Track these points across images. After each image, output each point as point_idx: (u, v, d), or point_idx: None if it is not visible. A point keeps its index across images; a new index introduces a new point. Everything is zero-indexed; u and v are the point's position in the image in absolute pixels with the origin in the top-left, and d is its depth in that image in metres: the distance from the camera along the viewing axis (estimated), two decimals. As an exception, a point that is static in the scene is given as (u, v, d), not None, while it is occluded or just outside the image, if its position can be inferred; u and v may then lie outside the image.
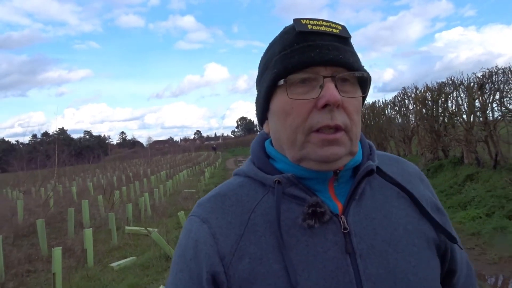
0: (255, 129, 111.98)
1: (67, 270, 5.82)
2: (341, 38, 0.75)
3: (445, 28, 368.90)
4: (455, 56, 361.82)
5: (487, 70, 8.18)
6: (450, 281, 0.88)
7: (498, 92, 7.99)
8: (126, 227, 8.32)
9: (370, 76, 0.77)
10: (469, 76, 8.75)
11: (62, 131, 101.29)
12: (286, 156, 0.78)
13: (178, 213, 7.17)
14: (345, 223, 0.74)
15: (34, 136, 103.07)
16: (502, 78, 7.89)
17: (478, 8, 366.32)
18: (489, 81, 8.15)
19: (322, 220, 0.72)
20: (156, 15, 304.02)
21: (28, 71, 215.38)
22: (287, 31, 0.77)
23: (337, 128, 0.71)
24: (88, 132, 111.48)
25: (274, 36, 0.80)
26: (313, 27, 0.73)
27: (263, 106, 0.80)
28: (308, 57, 0.71)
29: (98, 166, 36.78)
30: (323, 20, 0.75)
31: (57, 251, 4.81)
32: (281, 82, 0.73)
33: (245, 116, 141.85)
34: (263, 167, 0.81)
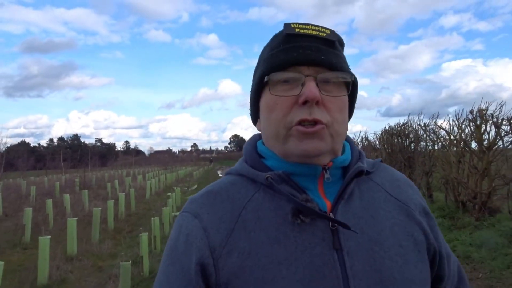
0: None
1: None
2: (327, 41, 0.72)
3: (453, 60, 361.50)
4: (460, 85, 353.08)
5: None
6: (437, 287, 0.81)
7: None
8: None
9: (355, 78, 0.74)
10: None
11: (75, 137, 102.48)
12: (276, 153, 0.74)
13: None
14: (331, 216, 0.69)
15: (51, 140, 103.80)
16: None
17: (486, 43, 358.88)
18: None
19: (311, 216, 0.68)
20: (184, 32, 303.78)
21: (53, 75, 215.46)
22: (276, 35, 0.75)
23: (316, 122, 0.68)
24: (99, 140, 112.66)
25: None
26: (300, 30, 0.71)
27: (254, 104, 0.78)
28: (291, 56, 0.69)
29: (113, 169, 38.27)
30: (312, 25, 0.72)
31: (144, 237, 5.38)
32: (266, 79, 0.71)
33: (238, 134, 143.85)
34: (254, 165, 0.76)
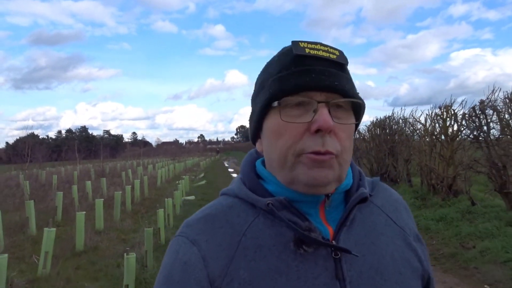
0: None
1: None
2: (338, 64, 0.69)
3: (461, 49, 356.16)
4: (469, 75, 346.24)
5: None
6: None
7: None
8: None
9: (364, 104, 0.71)
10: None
11: (83, 129, 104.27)
12: (277, 178, 0.71)
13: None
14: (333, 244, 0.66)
15: (59, 132, 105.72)
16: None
17: (496, 32, 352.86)
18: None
19: (314, 246, 0.65)
20: (191, 23, 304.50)
21: (61, 67, 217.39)
22: (284, 53, 0.71)
23: (325, 154, 0.65)
24: (107, 132, 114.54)
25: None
26: (311, 51, 0.67)
27: (257, 125, 0.73)
28: (303, 81, 0.65)
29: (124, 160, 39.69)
30: (321, 44, 0.69)
31: (160, 212, 6.77)
32: (275, 104, 0.67)
33: (244, 124, 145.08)
34: (254, 189, 0.72)
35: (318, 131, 0.64)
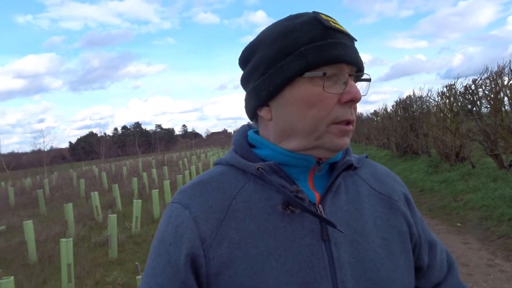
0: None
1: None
2: (353, 39, 0.72)
3: None
4: None
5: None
6: (422, 275, 0.83)
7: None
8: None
9: (371, 79, 0.75)
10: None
11: (137, 124, 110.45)
12: (275, 143, 0.73)
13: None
14: (322, 212, 0.70)
15: (115, 129, 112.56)
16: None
17: None
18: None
19: (301, 208, 0.67)
20: (232, 12, 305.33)
21: (112, 66, 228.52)
22: (308, 22, 0.69)
23: (351, 123, 0.70)
24: (159, 126, 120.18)
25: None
26: (335, 25, 0.69)
27: (274, 92, 0.70)
28: (339, 54, 0.67)
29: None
30: (335, 20, 0.72)
31: None
32: (317, 74, 0.67)
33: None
34: (245, 155, 0.74)
35: (348, 101, 0.68)
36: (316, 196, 0.72)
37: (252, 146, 0.77)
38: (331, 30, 0.69)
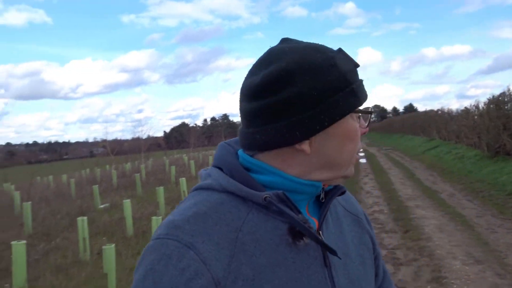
0: (387, 116, 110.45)
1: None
2: None
3: None
4: None
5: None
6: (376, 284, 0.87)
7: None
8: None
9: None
10: None
11: (225, 116, 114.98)
12: (284, 172, 0.68)
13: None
14: (323, 238, 0.70)
15: (205, 120, 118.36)
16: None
17: None
18: None
19: (310, 238, 0.67)
20: (320, 4, 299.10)
21: (204, 60, 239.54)
22: (344, 57, 0.69)
23: None
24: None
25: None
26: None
27: (326, 127, 0.67)
28: (366, 93, 0.71)
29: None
30: None
31: None
32: (363, 111, 0.71)
33: (378, 104, 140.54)
34: (245, 182, 0.68)
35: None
36: (316, 223, 0.73)
37: (246, 169, 0.70)
38: (357, 67, 0.71)
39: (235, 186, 0.67)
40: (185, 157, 23.30)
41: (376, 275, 0.87)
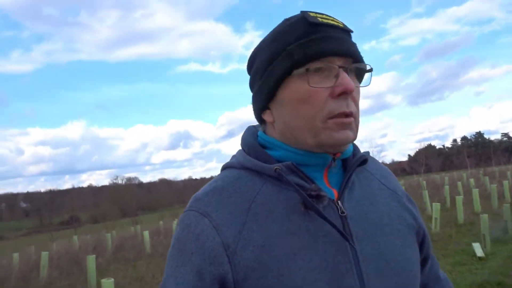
0: None
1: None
2: (346, 31, 0.73)
3: None
4: None
5: None
6: (423, 269, 0.85)
7: None
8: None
9: (372, 69, 0.74)
10: None
11: (479, 134, 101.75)
12: (287, 144, 0.73)
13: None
14: (342, 207, 0.71)
15: (454, 140, 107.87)
16: None
17: None
18: None
19: (322, 205, 0.69)
20: None
21: (451, 75, 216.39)
22: (295, 23, 0.72)
23: (349, 115, 0.69)
24: (505, 134, 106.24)
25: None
26: (323, 20, 0.70)
27: (269, 95, 0.73)
28: (325, 47, 0.68)
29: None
30: (326, 15, 0.73)
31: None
32: (301, 70, 0.69)
33: None
34: (259, 157, 0.74)
35: (341, 94, 0.67)
36: (334, 193, 0.73)
37: (263, 147, 0.77)
38: (317, 25, 0.70)
39: (250, 162, 0.73)
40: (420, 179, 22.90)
41: (424, 259, 0.85)
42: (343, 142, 0.70)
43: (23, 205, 71.17)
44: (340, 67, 0.69)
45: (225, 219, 0.68)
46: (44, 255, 8.86)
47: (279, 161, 0.72)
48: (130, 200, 54.08)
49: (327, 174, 0.75)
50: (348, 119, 0.69)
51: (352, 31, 0.74)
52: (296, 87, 0.70)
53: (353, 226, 0.71)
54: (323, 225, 0.68)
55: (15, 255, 10.68)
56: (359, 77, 0.75)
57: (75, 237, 14.87)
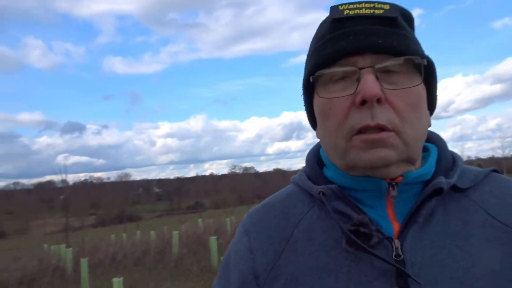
0: None
1: None
2: (386, 18, 0.56)
3: None
4: None
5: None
6: None
7: None
8: None
9: (428, 61, 0.57)
10: None
11: None
12: (334, 163, 0.62)
13: None
14: (399, 249, 0.54)
15: None
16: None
17: None
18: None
19: (367, 244, 0.54)
20: None
21: None
22: (322, 22, 0.62)
23: (381, 128, 0.53)
24: None
25: None
26: (350, 11, 0.56)
27: (308, 109, 0.65)
28: (339, 46, 0.56)
29: None
30: (365, 2, 0.57)
31: None
32: (311, 79, 0.58)
33: None
34: (312, 176, 0.66)
35: (364, 102, 0.54)
36: (395, 228, 0.57)
37: (324, 164, 0.67)
38: (339, 21, 0.58)
39: (302, 180, 0.66)
40: None
41: None
42: (375, 164, 0.55)
43: (156, 190, 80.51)
44: (361, 68, 0.55)
45: (263, 244, 0.63)
46: (175, 234, 10.44)
47: (331, 182, 0.63)
48: (247, 188, 57.86)
49: (391, 202, 0.59)
50: (378, 135, 0.54)
51: (397, 16, 0.57)
52: (317, 99, 0.61)
53: (414, 276, 0.51)
54: (369, 268, 0.54)
55: (152, 233, 12.82)
56: (408, 74, 0.57)
57: (199, 220, 16.41)
